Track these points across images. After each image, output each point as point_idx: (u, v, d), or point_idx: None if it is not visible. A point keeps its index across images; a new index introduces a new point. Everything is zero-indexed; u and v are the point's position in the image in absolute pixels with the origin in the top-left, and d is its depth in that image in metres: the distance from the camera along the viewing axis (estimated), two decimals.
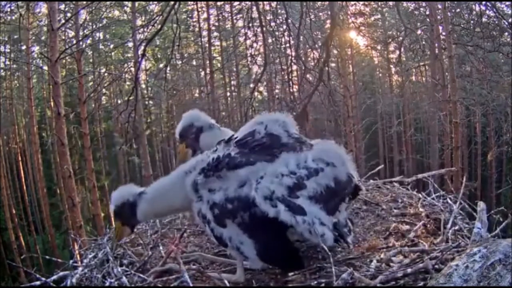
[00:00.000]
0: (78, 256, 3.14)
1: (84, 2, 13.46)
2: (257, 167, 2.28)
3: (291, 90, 10.34)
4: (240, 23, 18.84)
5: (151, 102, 23.61)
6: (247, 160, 2.31)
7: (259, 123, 2.52)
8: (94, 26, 17.37)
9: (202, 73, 23.43)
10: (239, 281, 2.35)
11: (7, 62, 18.69)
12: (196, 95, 24.63)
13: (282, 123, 2.53)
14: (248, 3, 10.15)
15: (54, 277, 2.85)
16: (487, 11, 9.89)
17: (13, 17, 16.02)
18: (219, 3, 19.90)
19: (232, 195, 2.27)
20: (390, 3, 16.18)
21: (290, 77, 11.00)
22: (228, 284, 2.27)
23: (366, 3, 16.61)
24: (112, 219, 2.71)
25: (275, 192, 2.12)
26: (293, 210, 2.10)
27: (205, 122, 2.97)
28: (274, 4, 8.66)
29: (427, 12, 15.17)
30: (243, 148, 2.41)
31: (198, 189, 2.34)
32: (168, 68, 10.40)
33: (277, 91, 19.90)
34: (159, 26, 7.56)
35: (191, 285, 2.27)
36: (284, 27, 8.18)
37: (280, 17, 8.39)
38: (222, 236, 2.31)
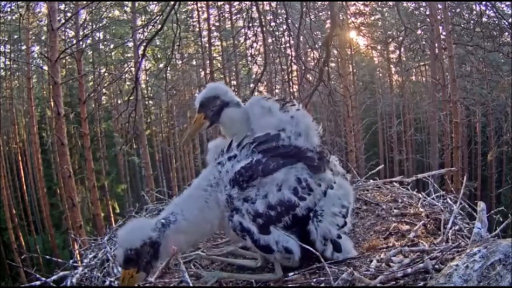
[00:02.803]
0: (78, 256, 3.13)
1: (84, 2, 13.46)
2: (288, 168, 2.36)
3: (291, 90, 10.35)
4: (240, 23, 18.87)
5: (151, 102, 23.62)
6: (278, 163, 2.34)
7: (283, 129, 2.47)
8: (94, 26, 17.40)
9: (202, 73, 23.44)
10: (278, 277, 2.33)
11: (7, 62, 18.70)
12: (196, 95, 24.59)
13: (304, 139, 2.49)
14: (248, 3, 10.16)
15: (54, 277, 2.85)
16: (487, 11, 9.90)
17: (13, 17, 16.03)
18: (219, 3, 19.91)
19: (274, 201, 2.29)
20: (390, 3, 16.19)
21: (290, 77, 11.02)
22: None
23: (366, 3, 16.60)
24: (121, 268, 2.11)
25: (331, 232, 2.40)
26: (336, 249, 2.42)
27: (232, 98, 2.76)
28: (274, 4, 8.65)
29: (427, 12, 15.18)
30: (267, 153, 2.38)
31: (233, 202, 2.28)
32: (168, 68, 10.39)
33: (277, 91, 19.92)
34: (159, 26, 7.56)
35: (191, 285, 2.27)
36: (284, 27, 8.18)
37: (280, 17, 8.39)
38: (268, 244, 2.27)
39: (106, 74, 17.79)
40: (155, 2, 15.78)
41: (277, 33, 8.95)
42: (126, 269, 2.08)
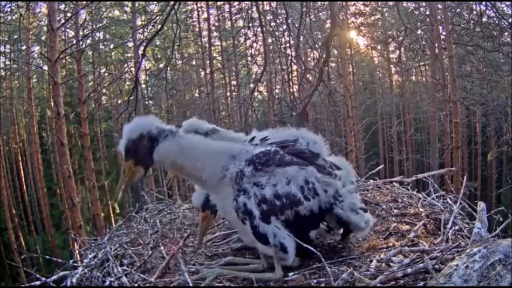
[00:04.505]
0: (78, 256, 3.13)
1: (84, 2, 13.47)
2: (300, 167, 2.38)
3: (291, 90, 10.35)
4: (240, 23, 18.87)
5: (151, 102, 23.62)
6: (292, 160, 2.39)
7: (302, 137, 2.56)
8: (94, 26, 17.39)
9: (202, 73, 23.44)
10: (278, 278, 2.33)
11: (7, 62, 18.69)
12: (196, 95, 24.64)
13: (320, 147, 2.57)
14: (248, 3, 10.17)
15: (54, 277, 2.85)
16: (487, 11, 9.88)
17: (13, 17, 16.04)
18: (219, 3, 19.91)
19: (281, 192, 2.31)
20: (390, 3, 16.19)
21: (290, 77, 11.01)
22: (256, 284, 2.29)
23: (366, 3, 16.60)
24: (123, 158, 2.22)
25: (355, 205, 2.57)
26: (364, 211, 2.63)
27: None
28: (274, 4, 8.65)
29: (427, 12, 15.17)
30: (284, 150, 2.45)
31: (243, 181, 2.28)
32: (168, 68, 10.39)
33: (277, 91, 19.89)
34: (159, 26, 7.57)
35: (191, 285, 2.27)
36: (284, 27, 8.18)
37: (280, 17, 8.39)
38: (267, 233, 2.28)
39: (106, 74, 17.78)
40: (155, 2, 15.79)
41: (277, 33, 8.95)
42: (126, 160, 2.18)
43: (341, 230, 2.76)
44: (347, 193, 2.54)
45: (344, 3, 8.72)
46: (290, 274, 2.34)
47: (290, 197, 2.32)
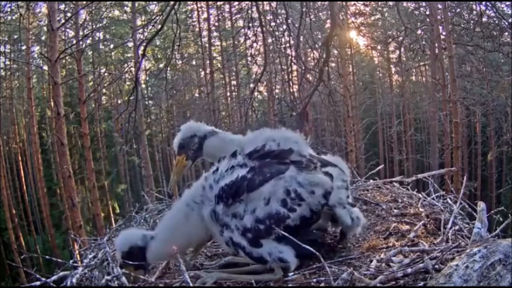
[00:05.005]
0: (78, 256, 3.13)
1: (84, 2, 13.48)
2: (277, 179, 2.31)
3: (291, 90, 10.34)
4: (240, 23, 18.89)
5: (151, 102, 23.64)
6: (264, 177, 2.30)
7: (272, 140, 2.47)
8: (94, 26, 17.42)
9: (202, 73, 23.46)
10: (278, 278, 2.33)
11: (7, 62, 18.71)
12: (196, 95, 24.67)
13: (295, 143, 2.49)
14: (248, 3, 10.17)
15: (54, 277, 2.84)
16: (487, 11, 9.88)
17: (13, 17, 16.06)
18: (219, 3, 19.93)
19: (261, 215, 2.26)
20: (390, 3, 16.21)
21: (290, 77, 10.99)
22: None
23: (366, 3, 16.61)
24: (123, 265, 2.49)
25: (342, 199, 2.63)
26: (352, 205, 2.72)
27: (206, 130, 2.91)
28: (274, 4, 8.65)
29: (427, 12, 15.19)
30: (251, 159, 2.38)
31: (220, 218, 2.28)
32: (168, 68, 10.40)
33: (277, 91, 19.91)
34: (159, 26, 7.57)
35: (191, 285, 2.27)
36: (284, 27, 8.18)
37: (280, 17, 8.39)
38: (261, 255, 2.28)
39: (106, 74, 17.81)
40: (155, 2, 15.80)
41: (277, 33, 8.94)
42: (125, 266, 2.40)
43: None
44: (334, 188, 2.51)
45: (344, 3, 8.72)
46: (290, 274, 2.33)
47: (273, 217, 2.26)
